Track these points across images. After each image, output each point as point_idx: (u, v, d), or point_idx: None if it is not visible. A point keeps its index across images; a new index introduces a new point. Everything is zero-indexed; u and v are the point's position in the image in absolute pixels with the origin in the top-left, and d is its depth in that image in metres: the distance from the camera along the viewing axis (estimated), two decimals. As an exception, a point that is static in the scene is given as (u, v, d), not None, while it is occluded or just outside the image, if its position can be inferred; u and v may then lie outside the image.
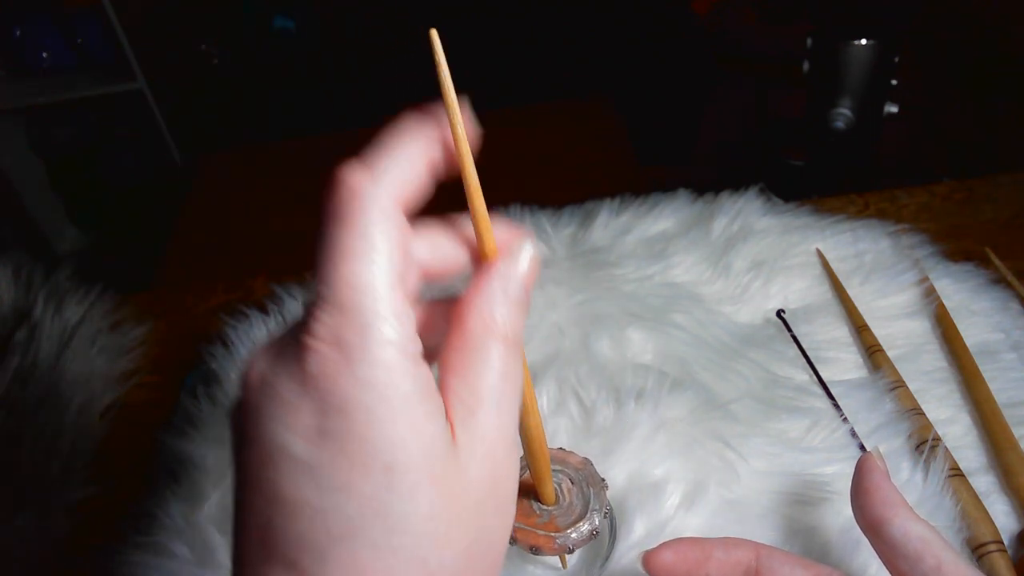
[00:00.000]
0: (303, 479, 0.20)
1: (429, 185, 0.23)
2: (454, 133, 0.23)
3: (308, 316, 0.21)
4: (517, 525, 0.33)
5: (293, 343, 0.21)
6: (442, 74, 0.23)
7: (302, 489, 0.20)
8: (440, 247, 0.25)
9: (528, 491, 0.33)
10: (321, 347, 0.20)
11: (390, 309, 0.20)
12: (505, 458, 0.23)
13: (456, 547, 0.21)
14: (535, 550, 0.33)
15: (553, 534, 0.33)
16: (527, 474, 0.32)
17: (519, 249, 0.24)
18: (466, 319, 0.23)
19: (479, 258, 0.25)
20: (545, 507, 0.34)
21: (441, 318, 0.24)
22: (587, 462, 0.36)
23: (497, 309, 0.23)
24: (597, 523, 0.34)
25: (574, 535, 0.33)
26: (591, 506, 0.34)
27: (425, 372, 0.21)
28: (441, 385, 0.23)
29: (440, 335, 0.24)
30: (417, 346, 0.21)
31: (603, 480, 0.36)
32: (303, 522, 0.20)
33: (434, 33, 0.23)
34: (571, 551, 0.33)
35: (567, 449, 0.38)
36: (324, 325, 0.20)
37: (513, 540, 0.32)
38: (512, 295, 0.23)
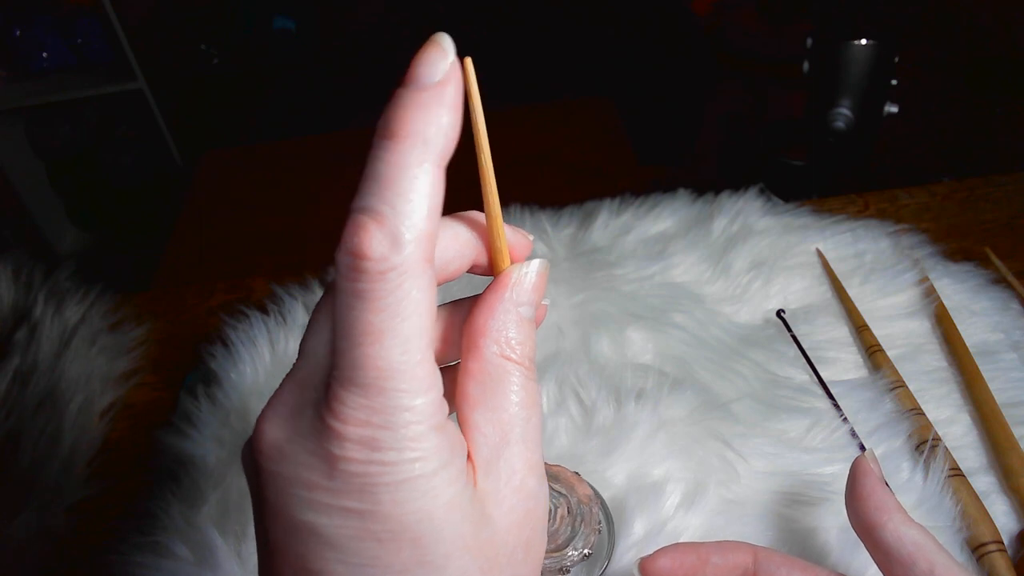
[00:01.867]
0: (331, 555, 0.20)
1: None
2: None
3: (330, 392, 0.20)
4: None
5: (314, 418, 0.20)
6: (473, 103, 0.21)
7: (330, 564, 0.20)
8: (453, 247, 0.23)
9: None
10: (348, 431, 0.19)
11: (421, 387, 0.19)
12: (535, 494, 0.22)
13: None
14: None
15: (546, 560, 0.32)
16: None
17: (529, 263, 0.23)
18: (482, 345, 0.22)
19: (491, 264, 0.23)
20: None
21: (455, 330, 0.23)
22: (577, 477, 0.36)
23: (512, 331, 0.22)
24: (591, 543, 0.33)
25: (571, 554, 0.33)
26: (582, 526, 0.34)
27: (450, 437, 0.20)
28: (462, 420, 0.22)
29: (455, 348, 0.23)
30: (444, 412, 0.20)
31: (594, 491, 0.36)
32: None
33: (469, 62, 0.21)
34: (567, 572, 0.33)
35: (558, 465, 0.37)
36: (350, 408, 0.19)
37: None
38: (525, 314, 0.22)
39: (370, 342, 0.19)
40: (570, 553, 0.33)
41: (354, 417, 0.19)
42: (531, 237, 0.25)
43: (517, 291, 0.22)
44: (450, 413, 0.22)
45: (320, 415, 0.20)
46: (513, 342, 0.22)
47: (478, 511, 0.21)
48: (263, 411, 0.21)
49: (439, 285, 0.22)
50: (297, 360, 0.21)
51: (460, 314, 0.23)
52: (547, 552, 0.33)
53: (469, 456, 0.21)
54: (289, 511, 0.20)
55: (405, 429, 0.19)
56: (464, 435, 0.22)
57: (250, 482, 0.22)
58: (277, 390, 0.21)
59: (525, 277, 0.23)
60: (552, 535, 0.33)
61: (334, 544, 0.20)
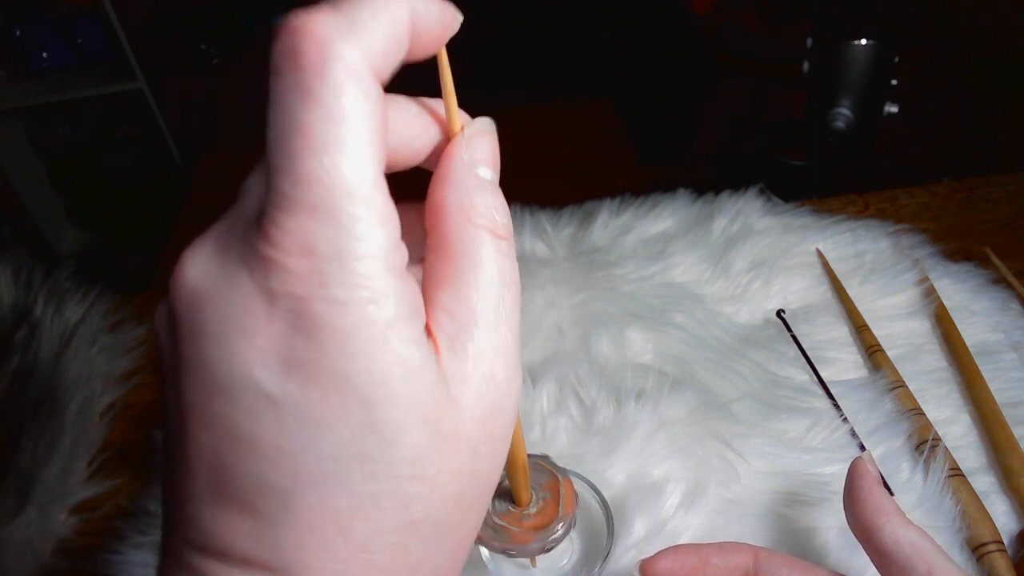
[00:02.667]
0: (266, 416, 0.17)
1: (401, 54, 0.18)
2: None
3: (265, 217, 0.16)
4: (499, 524, 0.32)
5: (245, 249, 0.17)
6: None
7: (265, 427, 0.17)
8: (408, 124, 0.20)
9: (502, 493, 0.33)
10: (288, 261, 0.16)
11: (373, 213, 0.16)
12: (506, 385, 0.19)
13: (444, 495, 0.18)
14: (509, 552, 0.33)
15: (531, 533, 0.33)
16: (506, 482, 0.32)
17: (481, 126, 0.20)
18: (444, 215, 0.19)
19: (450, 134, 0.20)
20: (524, 511, 0.33)
21: (417, 218, 0.20)
22: (546, 459, 0.36)
23: (476, 196, 0.19)
24: (570, 521, 0.34)
25: (556, 532, 0.33)
26: (562, 503, 0.34)
27: (411, 289, 0.18)
28: (426, 299, 0.19)
29: (419, 238, 0.20)
30: (401, 257, 0.18)
31: (567, 471, 0.36)
32: (264, 464, 0.17)
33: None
34: (548, 550, 0.33)
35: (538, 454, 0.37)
36: (289, 233, 0.16)
37: (482, 541, 0.32)
38: (486, 177, 0.20)
39: (312, 152, 0.16)
40: (559, 526, 0.33)
41: (296, 245, 0.16)
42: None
43: (471, 150, 0.20)
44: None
45: (254, 246, 0.16)
46: (480, 208, 0.19)
47: (441, 388, 0.18)
48: (182, 253, 0.18)
49: (399, 169, 0.20)
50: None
51: (416, 210, 0.21)
52: (542, 525, 0.32)
53: (432, 334, 0.19)
54: (215, 365, 0.17)
55: (358, 263, 0.16)
56: (428, 318, 0.19)
57: (162, 347, 0.19)
58: (203, 232, 0.18)
59: (476, 135, 0.20)
60: (541, 510, 0.33)
61: (272, 402, 0.17)
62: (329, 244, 0.16)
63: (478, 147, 0.20)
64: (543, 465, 0.35)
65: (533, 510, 0.33)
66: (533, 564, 0.37)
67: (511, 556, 0.33)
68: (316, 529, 0.17)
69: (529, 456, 0.35)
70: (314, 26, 0.15)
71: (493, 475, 0.20)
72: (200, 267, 0.17)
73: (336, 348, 0.17)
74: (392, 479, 0.17)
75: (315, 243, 0.16)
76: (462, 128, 0.20)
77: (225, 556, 0.18)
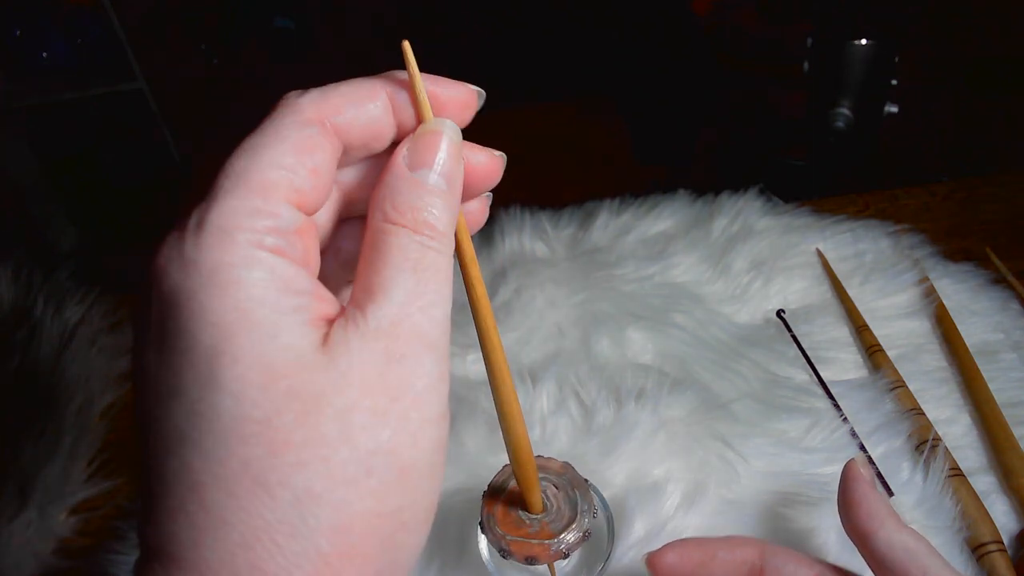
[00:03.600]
0: (150, 391, 0.18)
1: (386, 122, 0.21)
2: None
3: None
4: (510, 538, 0.33)
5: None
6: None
7: (149, 402, 0.18)
8: (376, 121, 0.21)
9: (515, 501, 0.33)
10: (167, 237, 0.18)
11: (250, 197, 0.18)
12: (409, 358, 0.19)
13: (311, 462, 0.17)
14: (531, 560, 0.33)
15: (547, 541, 0.33)
16: (514, 483, 0.32)
17: (433, 130, 0.21)
18: (369, 219, 0.20)
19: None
20: (534, 516, 0.33)
21: None
22: (568, 466, 0.36)
23: (400, 195, 0.20)
24: (587, 524, 0.34)
25: (569, 538, 0.33)
26: (579, 508, 0.34)
27: (293, 273, 0.19)
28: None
29: None
30: (288, 246, 0.19)
31: (586, 480, 0.36)
32: (150, 434, 0.18)
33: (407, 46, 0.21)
34: (567, 556, 0.33)
35: (546, 456, 0.37)
36: (180, 218, 0.18)
37: (507, 553, 0.32)
38: (430, 183, 0.20)
39: (233, 156, 0.19)
40: (567, 538, 0.32)
41: (178, 223, 0.18)
42: (499, 154, 0.23)
43: (412, 152, 0.21)
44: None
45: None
46: (402, 207, 0.20)
47: (312, 354, 0.18)
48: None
49: (352, 160, 0.22)
50: None
51: None
52: (557, 531, 0.32)
53: (330, 324, 0.19)
54: (135, 354, 0.19)
55: (216, 230, 0.18)
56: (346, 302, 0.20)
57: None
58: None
59: (422, 136, 0.21)
60: (556, 515, 0.33)
61: (153, 377, 0.18)
62: (198, 214, 0.18)
63: (423, 148, 0.21)
64: (543, 464, 0.35)
65: (553, 514, 0.33)
66: (552, 573, 0.37)
67: (533, 565, 0.33)
68: (179, 498, 0.17)
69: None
70: (291, 93, 0.20)
71: (399, 456, 0.19)
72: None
73: (187, 309, 0.17)
74: (242, 441, 0.17)
75: (188, 217, 0.18)
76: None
77: (141, 542, 0.18)
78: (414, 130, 0.21)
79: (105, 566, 0.43)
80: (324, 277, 0.21)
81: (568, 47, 1.89)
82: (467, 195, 0.22)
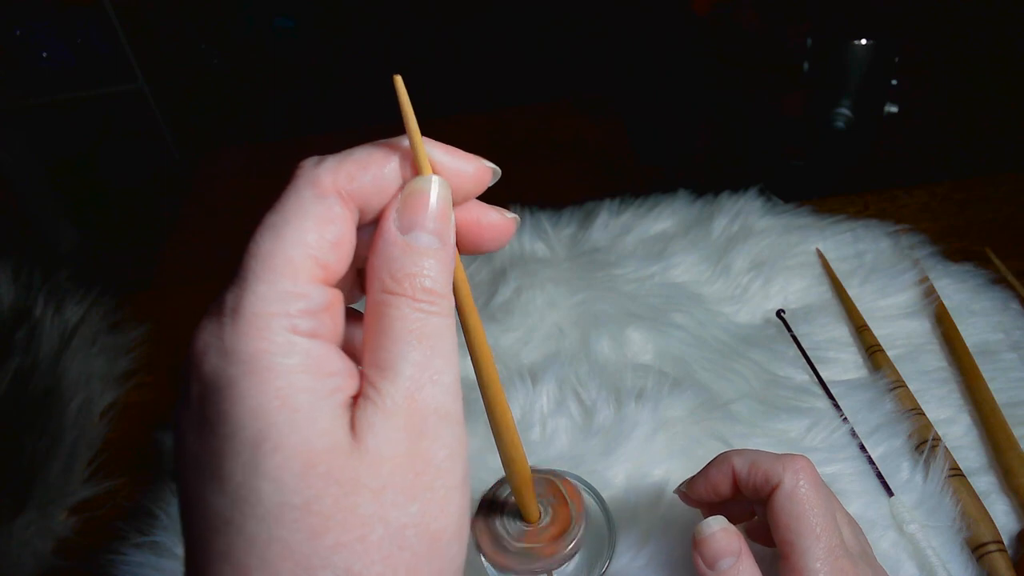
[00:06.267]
0: (192, 472, 0.19)
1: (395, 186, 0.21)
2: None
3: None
4: (522, 548, 0.33)
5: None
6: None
7: (192, 483, 0.19)
8: (379, 178, 0.21)
9: (512, 515, 0.33)
10: (203, 320, 0.19)
11: (281, 281, 0.19)
12: (429, 433, 0.19)
13: (350, 543, 0.18)
14: (538, 570, 0.33)
15: (555, 542, 0.33)
16: (507, 494, 0.32)
17: (420, 188, 0.21)
18: (368, 281, 0.20)
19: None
20: (534, 525, 0.33)
21: None
22: (552, 472, 0.36)
23: (397, 265, 0.20)
24: (583, 526, 0.34)
25: (579, 532, 0.33)
26: (571, 511, 0.34)
27: (324, 352, 0.19)
28: (361, 361, 0.20)
29: None
30: (321, 326, 0.19)
31: (586, 481, 0.36)
32: (194, 514, 0.19)
33: (399, 80, 0.21)
34: (574, 555, 0.33)
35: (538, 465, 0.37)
36: (215, 301, 0.19)
37: (515, 572, 0.32)
38: (421, 245, 0.20)
39: (258, 235, 0.19)
40: (579, 530, 0.33)
41: (215, 307, 0.19)
42: (512, 216, 0.23)
43: (401, 214, 0.21)
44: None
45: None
46: (399, 275, 0.20)
47: (343, 436, 0.19)
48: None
49: (367, 222, 0.21)
50: None
51: None
52: (558, 534, 0.33)
53: (360, 391, 0.20)
54: (176, 435, 0.20)
55: (252, 315, 0.18)
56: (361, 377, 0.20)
57: None
58: None
59: (410, 196, 0.21)
60: (552, 520, 0.33)
61: (194, 457, 0.19)
62: (232, 300, 0.18)
63: (411, 209, 0.21)
64: (535, 475, 0.35)
65: (547, 520, 0.33)
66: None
67: (539, 573, 0.33)
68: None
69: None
70: (301, 162, 0.21)
71: (428, 525, 0.19)
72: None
73: (228, 395, 0.18)
74: (285, 526, 0.18)
75: (223, 301, 0.18)
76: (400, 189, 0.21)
77: None
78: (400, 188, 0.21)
79: (105, 566, 0.43)
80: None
81: (568, 47, 1.89)
82: (481, 251, 0.23)
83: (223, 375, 0.18)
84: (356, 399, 0.19)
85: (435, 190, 0.21)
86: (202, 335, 0.19)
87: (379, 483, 0.18)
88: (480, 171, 0.22)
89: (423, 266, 0.20)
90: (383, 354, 0.20)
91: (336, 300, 0.20)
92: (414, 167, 0.21)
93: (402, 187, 0.21)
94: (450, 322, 0.21)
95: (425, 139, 0.21)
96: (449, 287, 0.21)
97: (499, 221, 0.23)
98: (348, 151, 0.21)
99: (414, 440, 0.19)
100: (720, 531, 0.29)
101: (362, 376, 0.20)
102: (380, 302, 0.20)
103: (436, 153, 0.22)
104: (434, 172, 0.21)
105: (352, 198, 0.20)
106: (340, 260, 0.20)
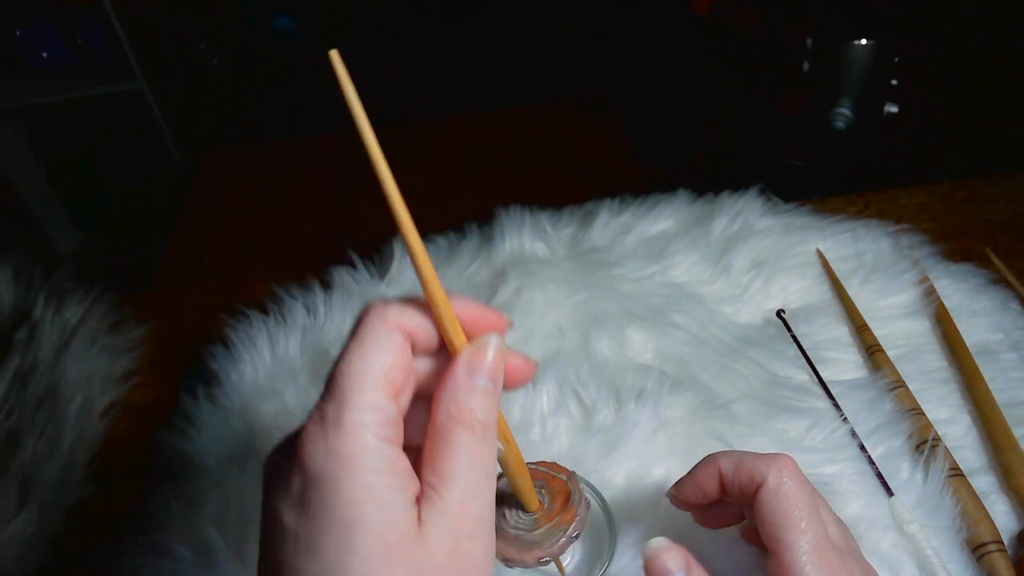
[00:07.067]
0: (288, 544, 0.23)
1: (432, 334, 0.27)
2: (391, 201, 0.25)
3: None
4: (527, 538, 0.33)
5: (299, 430, 0.24)
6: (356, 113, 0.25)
7: (286, 553, 0.23)
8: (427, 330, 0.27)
9: (512, 507, 0.34)
10: (308, 425, 0.24)
11: (369, 396, 0.24)
12: (473, 534, 0.25)
13: None
14: (544, 560, 0.33)
15: (558, 529, 0.33)
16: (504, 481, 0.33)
17: (484, 343, 0.26)
18: (434, 413, 0.26)
19: (449, 351, 0.27)
20: (533, 513, 0.34)
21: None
22: (551, 464, 0.37)
23: (462, 401, 0.25)
24: (585, 505, 0.34)
25: (581, 514, 0.34)
26: (572, 496, 0.34)
27: (397, 455, 0.24)
28: (419, 470, 0.25)
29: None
30: (394, 433, 0.24)
31: (585, 481, 0.37)
32: None
33: (334, 54, 0.25)
34: (575, 539, 0.34)
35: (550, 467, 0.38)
36: (317, 409, 0.24)
37: (520, 564, 0.33)
38: (480, 387, 0.26)
39: (344, 358, 0.24)
40: (580, 513, 0.33)
41: (317, 415, 0.24)
42: (507, 319, 0.29)
43: (470, 360, 0.26)
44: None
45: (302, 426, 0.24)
46: (462, 407, 0.25)
47: (413, 526, 0.23)
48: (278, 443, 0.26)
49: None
50: None
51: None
52: (561, 521, 0.33)
53: (421, 494, 0.25)
54: (269, 509, 0.24)
55: (349, 425, 0.23)
56: (420, 482, 0.25)
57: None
58: None
59: (480, 348, 0.26)
60: (550, 507, 0.34)
61: (291, 533, 0.23)
62: (334, 410, 0.24)
63: (478, 358, 0.26)
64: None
65: (547, 500, 0.34)
66: (560, 569, 0.37)
67: (545, 564, 0.34)
68: None
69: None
70: (372, 300, 0.26)
71: None
72: (279, 447, 0.26)
73: (329, 486, 0.23)
74: None
75: (325, 414, 0.24)
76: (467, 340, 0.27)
77: None
78: (445, 341, 0.27)
79: (105, 566, 0.43)
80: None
81: (568, 47, 1.89)
82: (507, 388, 0.28)
83: (325, 470, 0.23)
84: (419, 499, 0.24)
85: (494, 344, 0.27)
86: (308, 436, 0.23)
87: (434, 568, 0.23)
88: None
89: (480, 403, 0.26)
90: (443, 466, 0.25)
91: (400, 412, 0.25)
92: (438, 326, 0.26)
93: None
94: (493, 448, 0.26)
95: (450, 293, 0.26)
96: (495, 419, 0.27)
97: (523, 364, 0.29)
98: (406, 299, 0.26)
99: (462, 539, 0.24)
100: (664, 549, 0.30)
101: (422, 479, 0.25)
102: (444, 426, 0.25)
103: (465, 310, 0.27)
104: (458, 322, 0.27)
105: (408, 334, 0.26)
106: (404, 380, 0.25)
